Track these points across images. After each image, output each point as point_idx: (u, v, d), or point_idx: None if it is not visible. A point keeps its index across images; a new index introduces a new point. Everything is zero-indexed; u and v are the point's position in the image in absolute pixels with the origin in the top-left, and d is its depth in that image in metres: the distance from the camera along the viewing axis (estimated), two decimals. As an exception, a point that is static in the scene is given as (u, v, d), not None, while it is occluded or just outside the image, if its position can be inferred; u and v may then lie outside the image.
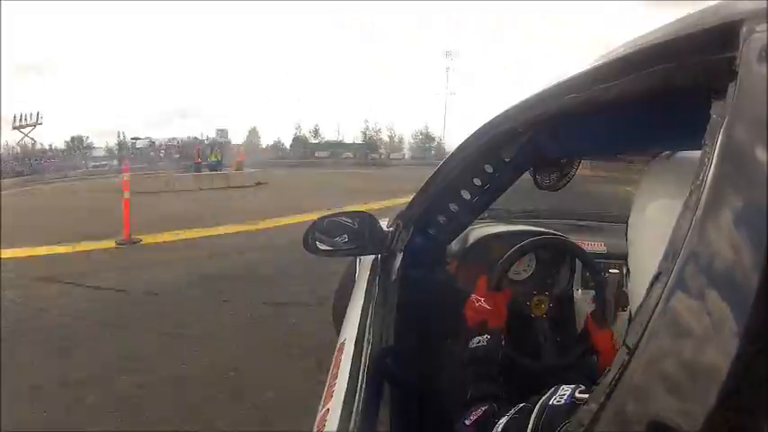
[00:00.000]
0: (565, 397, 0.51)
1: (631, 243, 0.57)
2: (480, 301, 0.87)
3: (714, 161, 0.28)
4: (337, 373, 0.82)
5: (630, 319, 0.87)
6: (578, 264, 1.15)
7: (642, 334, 0.28)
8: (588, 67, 0.49)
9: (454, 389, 0.82)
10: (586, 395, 0.49)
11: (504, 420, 0.58)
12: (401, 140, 39.71)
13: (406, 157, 35.10)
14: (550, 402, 0.52)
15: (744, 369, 0.23)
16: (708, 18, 0.33)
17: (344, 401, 0.70)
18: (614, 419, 0.28)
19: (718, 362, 0.23)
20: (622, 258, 0.81)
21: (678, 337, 0.27)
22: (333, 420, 0.68)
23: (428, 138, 38.68)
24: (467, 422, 0.66)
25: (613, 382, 0.29)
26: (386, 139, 38.79)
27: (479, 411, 0.66)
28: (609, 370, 0.30)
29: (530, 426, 0.52)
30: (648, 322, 0.28)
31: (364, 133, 36.91)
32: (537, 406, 0.53)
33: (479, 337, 0.82)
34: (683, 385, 0.25)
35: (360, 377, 0.75)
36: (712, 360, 0.24)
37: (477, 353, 0.80)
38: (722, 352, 0.23)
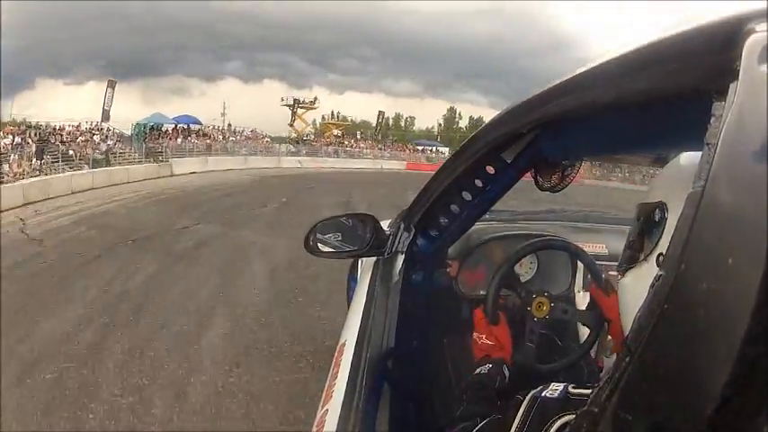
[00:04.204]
0: (558, 391, 0.51)
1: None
2: (482, 338, 0.90)
3: (715, 162, 0.28)
4: (337, 374, 0.82)
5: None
6: (579, 266, 1.14)
7: (644, 335, 0.28)
8: (590, 68, 0.49)
9: (449, 406, 0.83)
10: (579, 390, 0.49)
11: (481, 424, 0.59)
12: None
13: None
14: (543, 394, 0.51)
15: (744, 371, 0.23)
16: (709, 19, 0.33)
17: (344, 402, 0.70)
18: (615, 420, 0.28)
19: (719, 363, 0.23)
20: None
21: (679, 338, 0.27)
22: (332, 421, 0.68)
23: None
24: None
25: (615, 383, 0.29)
26: None
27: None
28: (611, 371, 0.30)
29: (518, 416, 0.51)
30: (650, 324, 0.28)
31: None
32: (527, 397, 0.52)
33: (483, 366, 0.84)
34: (683, 386, 0.25)
35: (359, 378, 0.74)
36: (713, 362, 0.24)
37: (478, 379, 0.82)
38: (723, 353, 0.23)
